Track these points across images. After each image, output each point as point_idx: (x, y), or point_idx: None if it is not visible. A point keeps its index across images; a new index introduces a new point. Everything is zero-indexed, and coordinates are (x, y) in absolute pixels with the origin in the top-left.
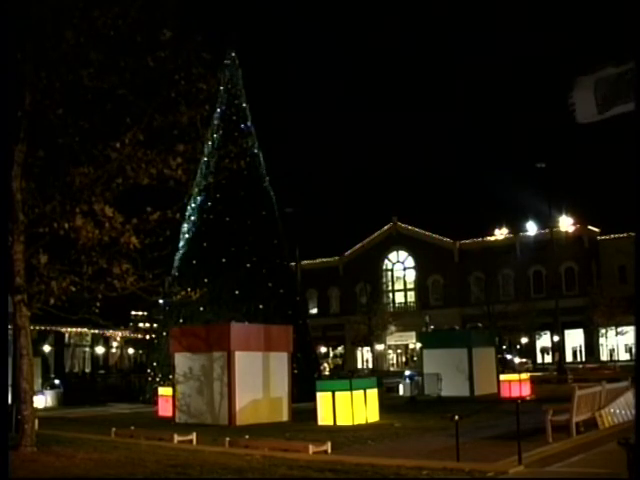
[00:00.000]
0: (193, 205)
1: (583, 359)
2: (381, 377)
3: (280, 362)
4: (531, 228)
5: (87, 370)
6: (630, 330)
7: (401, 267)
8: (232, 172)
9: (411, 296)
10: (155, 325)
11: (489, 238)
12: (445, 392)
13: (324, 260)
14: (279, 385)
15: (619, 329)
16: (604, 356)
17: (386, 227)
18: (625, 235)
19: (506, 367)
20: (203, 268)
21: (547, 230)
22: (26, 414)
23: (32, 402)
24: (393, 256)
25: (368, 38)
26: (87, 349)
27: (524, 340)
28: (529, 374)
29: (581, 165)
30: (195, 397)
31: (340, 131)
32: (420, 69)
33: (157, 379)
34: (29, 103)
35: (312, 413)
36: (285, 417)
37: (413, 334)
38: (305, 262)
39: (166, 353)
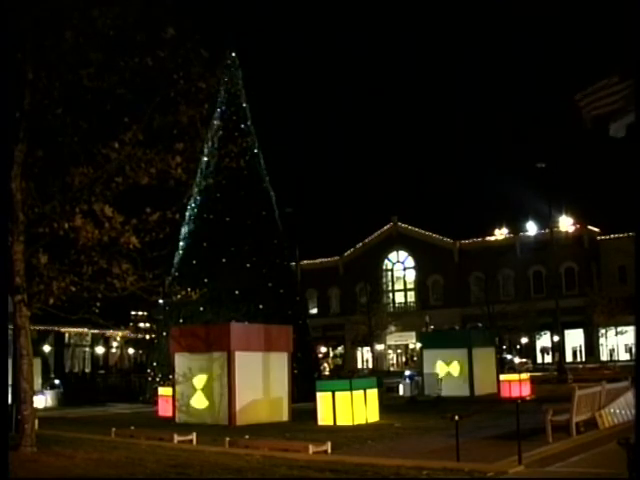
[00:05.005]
0: (193, 205)
1: (583, 359)
2: (381, 377)
3: (280, 362)
4: (531, 228)
5: (87, 370)
6: (630, 330)
7: (401, 267)
8: (232, 172)
9: (411, 296)
10: (155, 325)
11: (489, 238)
12: (445, 392)
13: (324, 260)
14: (279, 385)
15: (619, 329)
16: (604, 356)
17: (386, 227)
18: (625, 235)
19: (504, 367)
20: (203, 268)
21: (547, 230)
22: (26, 414)
23: (32, 402)
24: (393, 256)
25: (368, 37)
26: (87, 349)
27: (524, 340)
28: (529, 374)
29: (581, 165)
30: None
31: (340, 131)
32: (421, 68)
33: (157, 379)
34: (29, 103)
35: (312, 413)
36: (285, 417)
37: (413, 334)
38: (305, 262)
39: (166, 353)
